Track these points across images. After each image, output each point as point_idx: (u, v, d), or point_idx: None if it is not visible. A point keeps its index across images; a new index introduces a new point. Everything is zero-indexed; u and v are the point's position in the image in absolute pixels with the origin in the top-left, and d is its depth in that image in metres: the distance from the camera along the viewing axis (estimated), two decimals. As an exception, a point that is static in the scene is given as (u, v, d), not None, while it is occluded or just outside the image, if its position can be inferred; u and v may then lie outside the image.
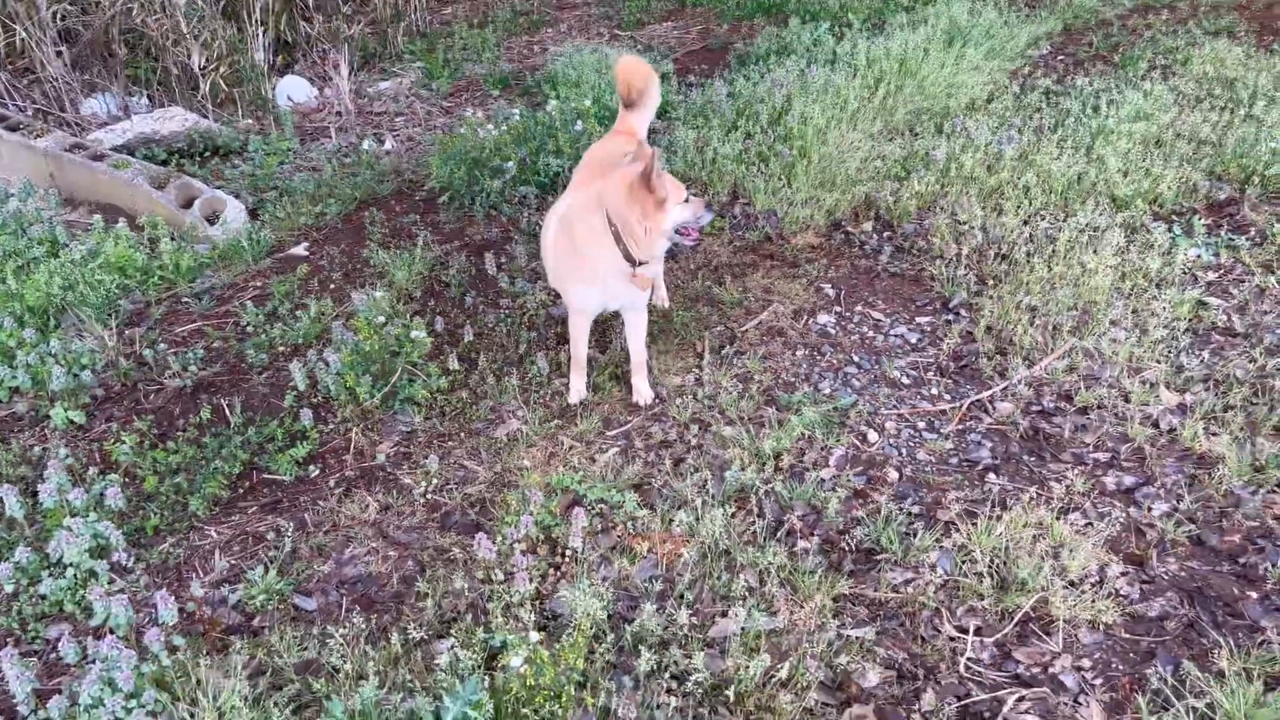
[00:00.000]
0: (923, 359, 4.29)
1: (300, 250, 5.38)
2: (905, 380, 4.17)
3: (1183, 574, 3.09)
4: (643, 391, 4.09)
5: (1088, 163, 5.63)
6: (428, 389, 3.99)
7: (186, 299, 4.98)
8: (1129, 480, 3.49)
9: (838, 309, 4.68)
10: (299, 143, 7.03)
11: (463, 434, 3.93)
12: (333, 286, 4.96)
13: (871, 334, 4.50)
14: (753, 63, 7.58)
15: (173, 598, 2.91)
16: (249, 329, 4.61)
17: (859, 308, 4.69)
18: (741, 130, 6.07)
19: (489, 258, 4.92)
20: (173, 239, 5.38)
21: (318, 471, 3.77)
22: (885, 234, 5.30)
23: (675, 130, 6.25)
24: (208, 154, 6.72)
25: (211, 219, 5.62)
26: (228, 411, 4.04)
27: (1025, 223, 5.15)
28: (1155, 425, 3.74)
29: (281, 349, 4.44)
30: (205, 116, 7.28)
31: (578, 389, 4.11)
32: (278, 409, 4.07)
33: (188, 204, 5.67)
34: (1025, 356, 4.19)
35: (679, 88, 7.09)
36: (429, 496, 3.62)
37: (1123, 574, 3.07)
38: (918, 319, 4.58)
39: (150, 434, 3.94)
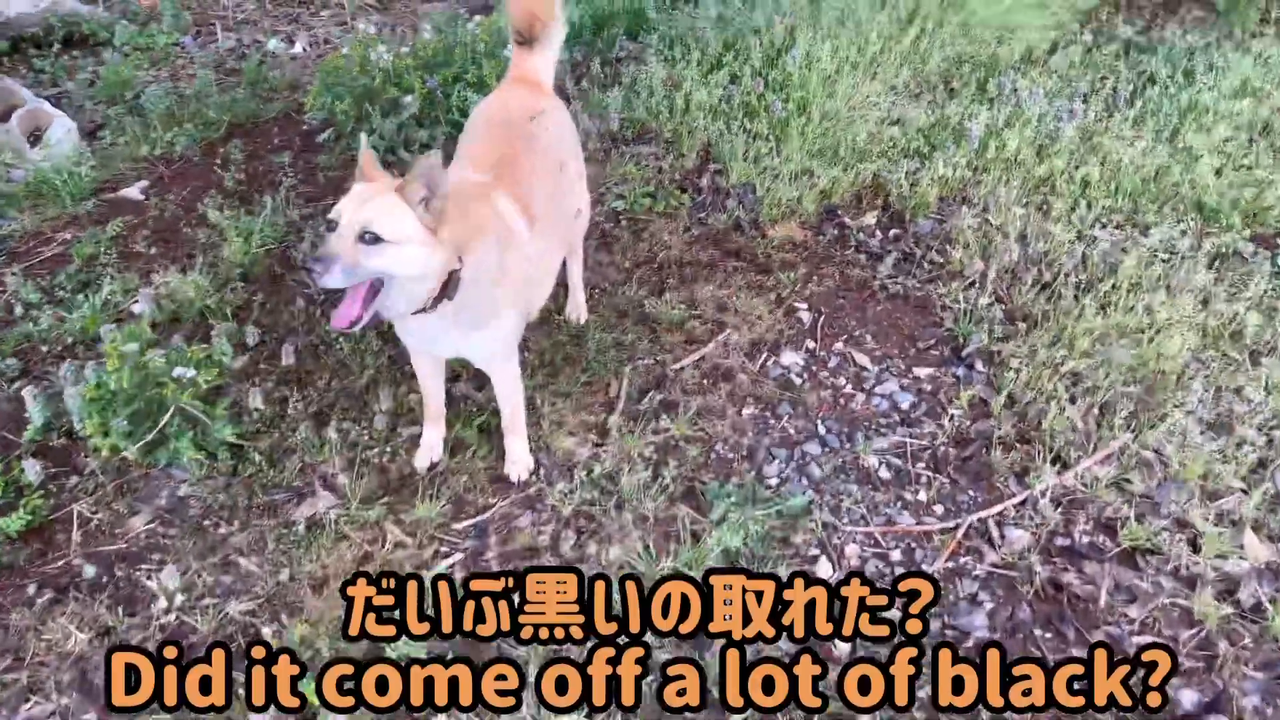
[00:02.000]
0: (914, 439, 3.09)
1: (135, 192, 4.16)
2: (885, 473, 2.99)
3: None
4: (518, 459, 2.94)
5: (1171, 153, 4.28)
6: (202, 444, 2.83)
7: (-29, 251, 3.81)
8: (1188, 699, 2.34)
9: (810, 344, 3.46)
10: (195, 36, 5.70)
11: (252, 508, 2.80)
12: (154, 252, 3.76)
13: (850, 389, 3.29)
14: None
15: None
16: (18, 313, 3.45)
17: (840, 344, 3.47)
18: (726, 70, 4.72)
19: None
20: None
21: (33, 554, 2.67)
22: (892, 232, 4.03)
23: (646, 60, 4.89)
24: (69, 44, 5.42)
25: (36, 138, 4.40)
26: (-54, 443, 2.94)
27: (1078, 237, 3.86)
28: (1235, 600, 2.57)
29: (45, 350, 3.29)
30: (93, -2, 5.95)
31: (429, 447, 2.96)
32: (13, 446, 2.95)
33: (7, 116, 4.44)
34: (1057, 454, 2.99)
35: (663, 1, 5.67)
36: (174, 616, 2.52)
37: None
38: (915, 370, 3.36)
39: None
